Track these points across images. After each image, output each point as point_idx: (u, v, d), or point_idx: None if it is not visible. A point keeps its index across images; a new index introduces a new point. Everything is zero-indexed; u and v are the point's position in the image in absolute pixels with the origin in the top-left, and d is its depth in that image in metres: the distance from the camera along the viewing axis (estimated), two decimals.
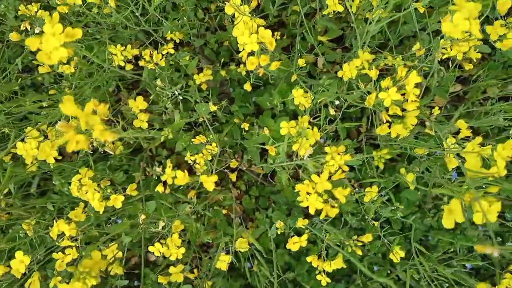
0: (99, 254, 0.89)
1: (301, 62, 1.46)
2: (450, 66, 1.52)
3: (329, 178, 0.93)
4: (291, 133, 1.05)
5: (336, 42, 1.97)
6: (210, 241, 1.77)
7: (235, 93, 1.89)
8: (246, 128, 1.64)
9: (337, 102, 1.24)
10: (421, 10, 1.16)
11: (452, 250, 1.79)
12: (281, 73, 1.67)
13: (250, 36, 1.09)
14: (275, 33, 1.95)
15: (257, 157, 1.74)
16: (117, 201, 1.18)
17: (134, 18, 1.88)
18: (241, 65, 1.82)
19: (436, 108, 1.61)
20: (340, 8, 1.27)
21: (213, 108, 1.36)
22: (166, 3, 1.89)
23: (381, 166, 1.29)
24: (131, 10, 1.74)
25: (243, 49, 1.14)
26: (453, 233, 1.77)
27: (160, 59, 1.35)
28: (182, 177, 0.99)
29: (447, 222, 0.82)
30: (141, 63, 1.35)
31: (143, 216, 1.18)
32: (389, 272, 1.81)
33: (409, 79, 1.01)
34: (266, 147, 1.41)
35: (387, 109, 1.07)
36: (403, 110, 1.07)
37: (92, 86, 1.52)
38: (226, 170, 2.04)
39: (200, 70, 1.87)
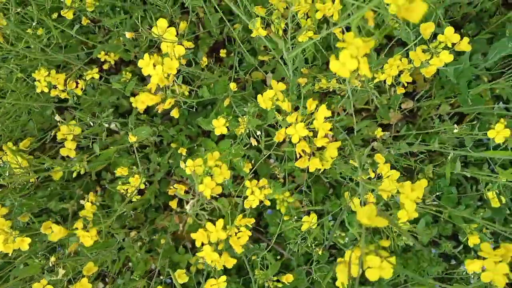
0: None
1: (232, 86, 1.39)
2: (386, 87, 1.45)
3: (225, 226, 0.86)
4: (197, 172, 0.98)
5: None
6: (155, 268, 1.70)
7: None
8: (184, 153, 1.56)
9: (258, 133, 1.18)
10: (340, 36, 1.09)
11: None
12: (220, 94, 1.61)
13: (155, 67, 1.02)
14: (221, 50, 1.89)
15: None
16: (23, 243, 1.11)
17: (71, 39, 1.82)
18: (183, 85, 1.75)
19: (379, 129, 1.55)
20: (263, 33, 1.20)
21: (132, 139, 1.28)
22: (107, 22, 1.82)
23: (283, 211, 1.21)
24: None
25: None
26: (404, 256, 1.71)
27: (75, 87, 1.27)
28: (58, 232, 0.92)
29: (341, 276, 0.75)
30: (53, 92, 1.27)
31: (53, 258, 1.11)
32: None
33: (318, 113, 0.94)
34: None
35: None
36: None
37: (14, 116, 1.45)
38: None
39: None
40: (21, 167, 1.36)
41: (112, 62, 1.61)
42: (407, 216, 0.87)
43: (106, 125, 1.36)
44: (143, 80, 2.06)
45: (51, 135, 1.25)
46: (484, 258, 0.85)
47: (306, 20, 1.27)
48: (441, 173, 1.65)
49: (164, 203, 1.86)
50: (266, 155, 1.51)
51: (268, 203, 1.13)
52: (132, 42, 1.84)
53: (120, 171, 1.32)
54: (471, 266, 0.90)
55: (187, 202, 0.84)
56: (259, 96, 1.06)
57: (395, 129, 1.85)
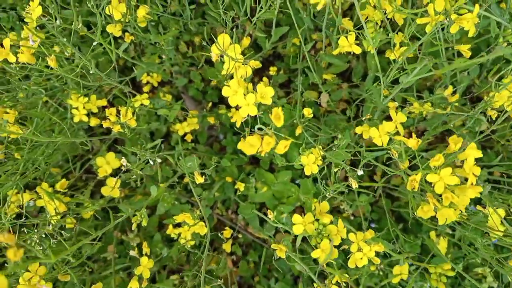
0: None
1: (307, 112, 1.18)
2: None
3: None
4: (308, 231, 0.76)
5: (341, 75, 1.70)
6: None
7: (227, 141, 1.61)
8: (241, 189, 1.35)
9: (360, 173, 0.96)
10: (467, 55, 0.89)
11: None
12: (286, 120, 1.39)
13: (245, 96, 0.82)
14: (271, 68, 1.69)
15: (256, 223, 1.46)
16: None
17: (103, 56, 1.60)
18: (233, 108, 1.54)
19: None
20: (357, 50, 1.00)
21: (200, 179, 1.07)
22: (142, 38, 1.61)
23: None
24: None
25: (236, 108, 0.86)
26: None
27: (130, 118, 1.06)
28: None
29: None
30: (105, 124, 1.06)
31: None
32: None
33: (467, 154, 0.73)
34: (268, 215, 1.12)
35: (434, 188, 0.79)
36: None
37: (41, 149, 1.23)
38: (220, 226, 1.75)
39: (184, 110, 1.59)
40: (57, 213, 1.14)
41: (155, 84, 1.40)
42: None
43: (159, 161, 1.14)
44: (179, 100, 1.84)
45: (96, 176, 1.02)
46: None
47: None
48: None
49: (210, 242, 1.63)
50: (336, 191, 1.29)
51: (377, 261, 0.91)
52: (169, 60, 1.63)
53: (183, 218, 1.09)
54: None
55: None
56: (373, 129, 0.85)
57: None
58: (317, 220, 0.79)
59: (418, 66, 0.83)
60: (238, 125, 0.84)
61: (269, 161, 1.61)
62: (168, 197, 1.47)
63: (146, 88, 1.42)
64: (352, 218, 1.55)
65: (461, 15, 0.81)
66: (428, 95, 1.46)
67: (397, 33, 1.10)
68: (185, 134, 1.44)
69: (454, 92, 1.20)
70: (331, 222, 0.78)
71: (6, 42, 0.79)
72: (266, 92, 0.82)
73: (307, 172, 0.95)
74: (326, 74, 1.47)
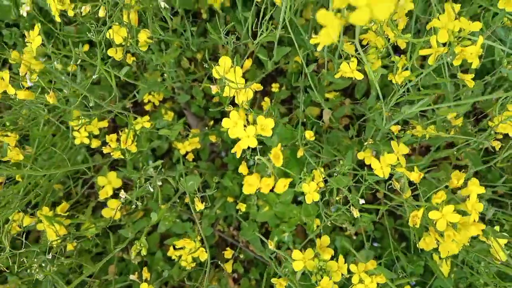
0: None
1: (308, 135, 1.18)
2: None
3: None
4: (308, 267, 0.76)
5: (343, 91, 1.69)
6: None
7: (228, 159, 1.60)
8: (243, 209, 1.34)
9: (362, 202, 0.95)
10: (471, 85, 0.88)
11: None
12: (283, 140, 1.39)
13: (245, 128, 0.81)
14: (273, 84, 1.68)
15: (258, 243, 1.45)
16: None
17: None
18: None
19: (475, 181, 1.33)
20: (359, 76, 0.99)
21: (200, 206, 1.06)
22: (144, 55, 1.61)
23: None
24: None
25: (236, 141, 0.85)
26: None
27: (131, 144, 1.05)
28: None
29: None
30: (105, 150, 1.06)
31: None
32: None
33: (470, 190, 0.72)
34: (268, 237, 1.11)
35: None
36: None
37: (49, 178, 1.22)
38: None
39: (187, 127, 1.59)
40: (58, 236, 1.14)
41: (157, 103, 1.40)
42: None
43: (160, 184, 1.13)
44: (181, 116, 1.83)
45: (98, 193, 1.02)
46: None
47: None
48: None
49: (211, 254, 1.62)
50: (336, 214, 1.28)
51: None
52: (171, 79, 1.63)
53: (183, 243, 1.09)
54: None
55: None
56: (374, 161, 0.84)
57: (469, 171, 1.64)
58: (318, 254, 0.78)
59: (420, 99, 0.82)
60: (238, 156, 0.84)
61: None
62: (169, 216, 1.46)
63: (147, 107, 1.42)
64: (354, 237, 1.54)
65: (465, 46, 0.80)
66: (432, 114, 1.45)
67: (399, 55, 1.09)
68: (187, 152, 1.44)
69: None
70: (332, 258, 0.78)
71: (6, 76, 0.79)
72: (266, 124, 0.81)
73: (308, 200, 0.94)
74: (328, 92, 1.46)
